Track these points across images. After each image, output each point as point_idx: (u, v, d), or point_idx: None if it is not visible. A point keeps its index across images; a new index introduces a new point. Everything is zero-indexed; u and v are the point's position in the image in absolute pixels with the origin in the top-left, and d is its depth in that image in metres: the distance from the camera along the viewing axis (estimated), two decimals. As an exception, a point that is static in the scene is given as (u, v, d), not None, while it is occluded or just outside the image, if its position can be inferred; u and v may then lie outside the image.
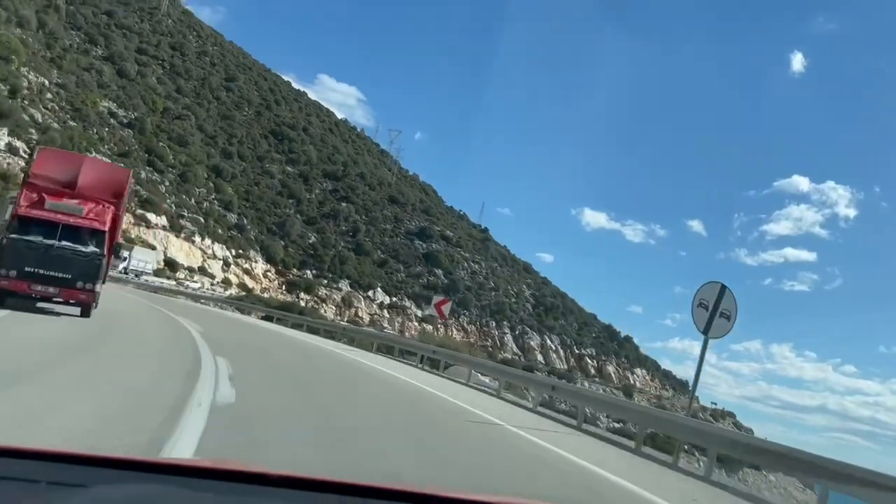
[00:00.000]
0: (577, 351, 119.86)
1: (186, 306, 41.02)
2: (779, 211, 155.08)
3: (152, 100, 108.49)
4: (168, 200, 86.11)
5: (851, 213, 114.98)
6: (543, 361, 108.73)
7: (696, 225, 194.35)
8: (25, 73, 79.28)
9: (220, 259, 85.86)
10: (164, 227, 78.95)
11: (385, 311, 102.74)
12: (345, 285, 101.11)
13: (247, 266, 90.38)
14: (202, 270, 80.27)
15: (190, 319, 24.43)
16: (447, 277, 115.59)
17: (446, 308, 35.01)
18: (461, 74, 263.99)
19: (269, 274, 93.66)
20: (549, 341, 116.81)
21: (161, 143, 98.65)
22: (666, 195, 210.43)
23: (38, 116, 74.54)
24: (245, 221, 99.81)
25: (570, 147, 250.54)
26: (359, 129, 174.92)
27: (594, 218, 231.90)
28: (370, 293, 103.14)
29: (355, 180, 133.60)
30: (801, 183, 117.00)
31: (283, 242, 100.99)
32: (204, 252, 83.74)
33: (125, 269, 61.53)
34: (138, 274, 62.81)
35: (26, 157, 65.89)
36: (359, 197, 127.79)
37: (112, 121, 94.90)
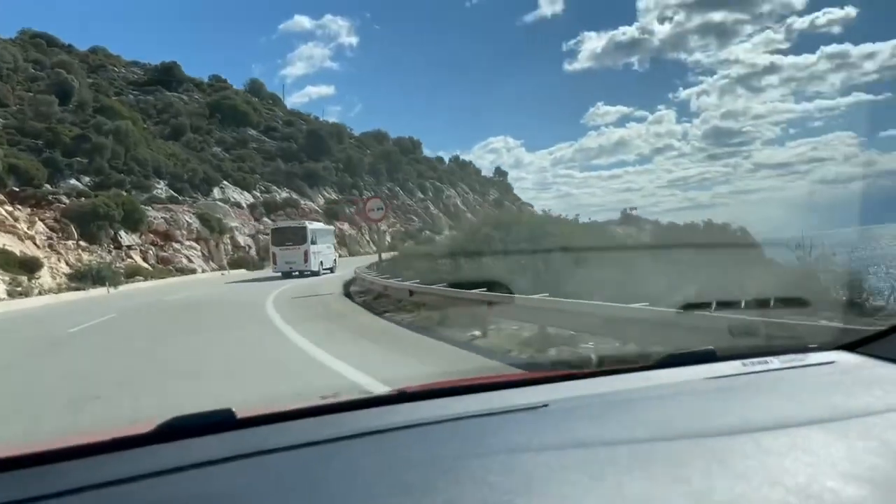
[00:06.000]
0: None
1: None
2: (291, 53, 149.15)
3: None
4: None
5: (354, 41, 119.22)
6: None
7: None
8: None
9: None
10: None
11: (271, 217, 48.66)
12: (165, 189, 43.28)
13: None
14: None
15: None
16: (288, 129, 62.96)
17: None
18: None
19: (17, 215, 31.80)
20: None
21: None
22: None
23: None
24: None
25: None
26: None
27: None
28: (218, 193, 47.07)
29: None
30: (304, 22, 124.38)
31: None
32: None
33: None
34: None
35: None
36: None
37: None
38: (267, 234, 47.97)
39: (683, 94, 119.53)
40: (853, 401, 1.40)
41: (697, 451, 1.15)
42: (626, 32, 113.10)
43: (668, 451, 1.15)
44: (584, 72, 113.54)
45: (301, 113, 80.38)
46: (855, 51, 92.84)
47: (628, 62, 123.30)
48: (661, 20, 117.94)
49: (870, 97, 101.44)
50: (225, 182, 49.31)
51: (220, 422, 1.29)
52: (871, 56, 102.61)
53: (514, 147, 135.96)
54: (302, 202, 53.13)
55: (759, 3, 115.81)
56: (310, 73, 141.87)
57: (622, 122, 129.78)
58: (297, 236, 31.43)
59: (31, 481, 1.09)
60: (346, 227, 52.82)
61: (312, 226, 33.78)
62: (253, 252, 44.93)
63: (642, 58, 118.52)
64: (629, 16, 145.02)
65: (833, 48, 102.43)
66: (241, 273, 38.77)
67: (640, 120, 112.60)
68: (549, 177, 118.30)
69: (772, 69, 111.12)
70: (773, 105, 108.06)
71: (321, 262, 32.08)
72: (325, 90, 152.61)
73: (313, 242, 31.73)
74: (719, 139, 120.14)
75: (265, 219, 49.02)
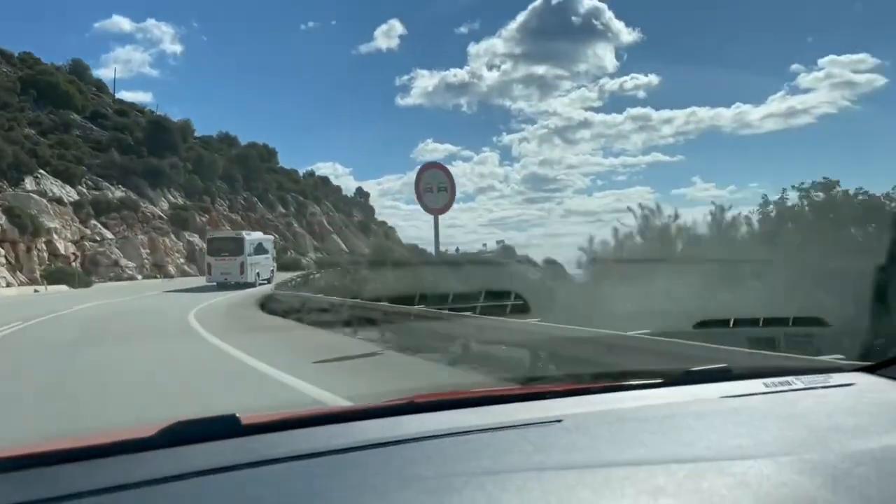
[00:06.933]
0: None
1: None
2: (106, 55, 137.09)
3: None
4: None
5: (178, 49, 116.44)
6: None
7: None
8: None
9: None
10: None
11: (101, 220, 39.10)
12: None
13: None
14: None
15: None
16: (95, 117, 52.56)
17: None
18: None
19: None
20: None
21: None
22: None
23: None
24: None
25: None
26: None
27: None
28: (32, 184, 36.88)
29: None
30: (123, 23, 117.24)
31: None
32: None
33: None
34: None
35: None
36: None
37: None
38: (96, 241, 38.79)
39: (507, 138, 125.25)
40: (871, 428, 1.36)
41: (712, 475, 1.11)
42: (457, 75, 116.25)
43: (682, 475, 1.11)
44: (416, 108, 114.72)
45: (135, 104, 69.04)
46: (655, 115, 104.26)
47: (458, 103, 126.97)
48: (490, 67, 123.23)
49: (666, 158, 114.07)
50: (42, 171, 38.87)
51: (225, 428, 1.25)
52: (668, 121, 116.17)
53: (343, 174, 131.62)
54: (142, 204, 43.64)
55: (577, 62, 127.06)
56: (125, 78, 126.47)
57: (449, 159, 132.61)
58: (234, 247, 31.01)
59: (30, 484, 1.05)
60: (196, 239, 44.07)
61: (250, 236, 33.50)
62: (78, 263, 35.35)
63: (471, 100, 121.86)
64: (460, 59, 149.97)
65: (637, 111, 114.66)
66: (63, 290, 29.66)
67: (467, 159, 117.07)
68: (377, 207, 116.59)
69: (585, 124, 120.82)
70: (584, 157, 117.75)
71: (258, 274, 31.49)
72: (143, 97, 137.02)
73: (251, 254, 31.38)
74: (536, 184, 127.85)
75: (94, 221, 39.24)
